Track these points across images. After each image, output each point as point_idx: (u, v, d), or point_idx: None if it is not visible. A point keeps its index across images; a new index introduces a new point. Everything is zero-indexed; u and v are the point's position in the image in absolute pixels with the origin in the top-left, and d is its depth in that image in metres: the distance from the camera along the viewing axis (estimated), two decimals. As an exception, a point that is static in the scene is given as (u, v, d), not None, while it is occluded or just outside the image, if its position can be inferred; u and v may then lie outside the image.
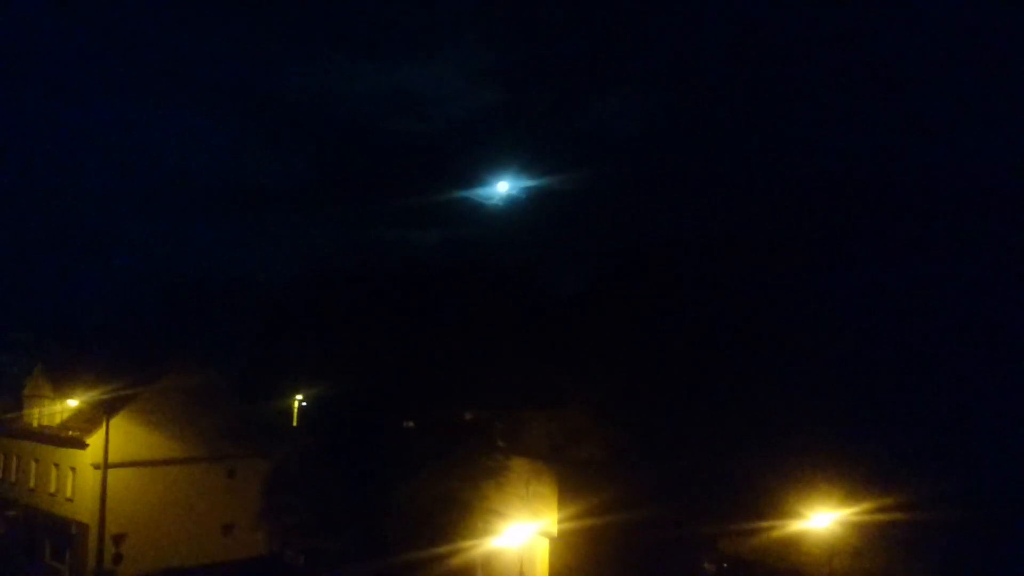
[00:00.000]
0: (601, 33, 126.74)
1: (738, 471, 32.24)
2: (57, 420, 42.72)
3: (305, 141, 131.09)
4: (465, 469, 33.52)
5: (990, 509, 28.15)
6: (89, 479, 38.60)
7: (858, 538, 30.66)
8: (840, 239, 37.35)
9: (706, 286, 36.05)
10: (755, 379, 33.17)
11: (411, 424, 36.04)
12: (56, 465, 41.54)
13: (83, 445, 39.43)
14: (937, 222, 36.89)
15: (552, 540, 32.96)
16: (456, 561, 32.32)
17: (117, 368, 40.92)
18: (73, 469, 40.35)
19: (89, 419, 40.31)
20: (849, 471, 30.54)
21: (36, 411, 44.22)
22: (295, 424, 45.46)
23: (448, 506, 32.91)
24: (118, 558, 35.85)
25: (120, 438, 38.15)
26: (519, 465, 34.58)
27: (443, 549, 31.91)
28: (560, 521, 32.76)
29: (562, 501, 32.85)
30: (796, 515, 31.39)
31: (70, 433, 40.97)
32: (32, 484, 43.17)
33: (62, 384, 42.64)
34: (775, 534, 31.98)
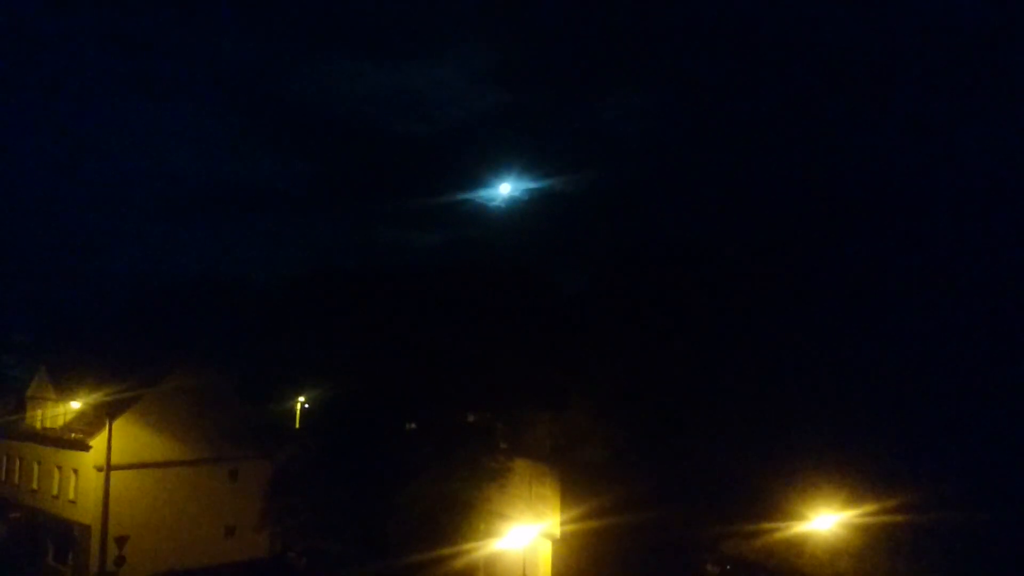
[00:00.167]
0: (603, 35, 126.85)
1: (741, 473, 32.21)
2: (60, 422, 42.76)
3: (308, 142, 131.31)
4: (468, 471, 33.51)
5: (992, 511, 28.10)
6: (92, 481, 38.62)
7: (861, 540, 30.61)
8: (841, 241, 37.32)
9: (709, 287, 36.02)
10: (758, 381, 33.15)
11: (413, 426, 36.05)
12: (59, 467, 41.55)
13: (86, 447, 39.45)
14: (937, 224, 36.89)
15: (555, 542, 32.94)
16: (459, 563, 32.31)
17: (120, 370, 40.95)
18: (76, 471, 40.37)
19: (92, 421, 40.34)
20: (852, 473, 30.50)
21: (39, 413, 44.27)
22: (297, 426, 45.53)
23: (451, 508, 32.89)
24: (121, 560, 35.84)
25: (123, 440, 38.18)
26: (522, 467, 34.58)
27: (446, 551, 31.90)
28: (563, 523, 32.75)
29: (565, 503, 32.83)
30: (799, 517, 31.35)
31: (73, 435, 40.99)
32: (35, 486, 43.20)
33: (65, 386, 42.68)
34: (778, 536, 31.94)
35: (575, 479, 33.22)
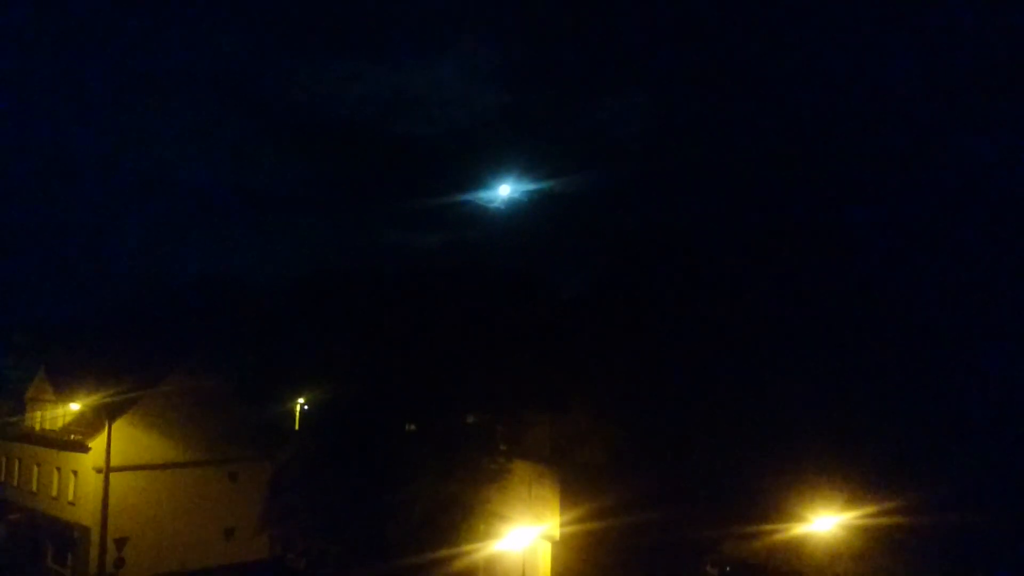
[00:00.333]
0: (603, 35, 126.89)
1: (741, 474, 32.18)
2: (59, 424, 42.77)
3: (307, 143, 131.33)
4: (467, 472, 33.50)
5: (993, 512, 28.09)
6: (91, 483, 38.63)
7: (861, 542, 30.58)
8: (842, 242, 37.30)
9: (708, 289, 36.00)
10: (757, 382, 33.13)
11: (413, 427, 36.04)
12: (58, 469, 41.57)
13: (85, 449, 39.46)
14: (937, 223, 36.86)
15: (554, 543, 32.90)
16: (458, 564, 32.28)
17: (119, 372, 40.97)
18: (75, 473, 40.39)
19: (91, 423, 40.36)
20: (852, 474, 30.48)
21: (38, 415, 44.30)
22: (297, 427, 45.46)
23: (450, 509, 32.88)
24: (120, 562, 35.85)
25: (122, 442, 38.21)
26: (521, 468, 34.54)
27: (445, 552, 31.90)
28: (562, 524, 32.70)
29: (564, 504, 32.79)
30: (799, 518, 31.33)
31: (72, 437, 41.01)
32: (34, 488, 43.21)
33: (64, 388, 42.69)
34: (778, 538, 31.90)
35: (575, 481, 33.19)
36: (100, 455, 37.32)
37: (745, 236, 39.40)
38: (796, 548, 31.89)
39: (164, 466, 40.76)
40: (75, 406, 40.61)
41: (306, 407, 45.41)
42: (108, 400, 39.22)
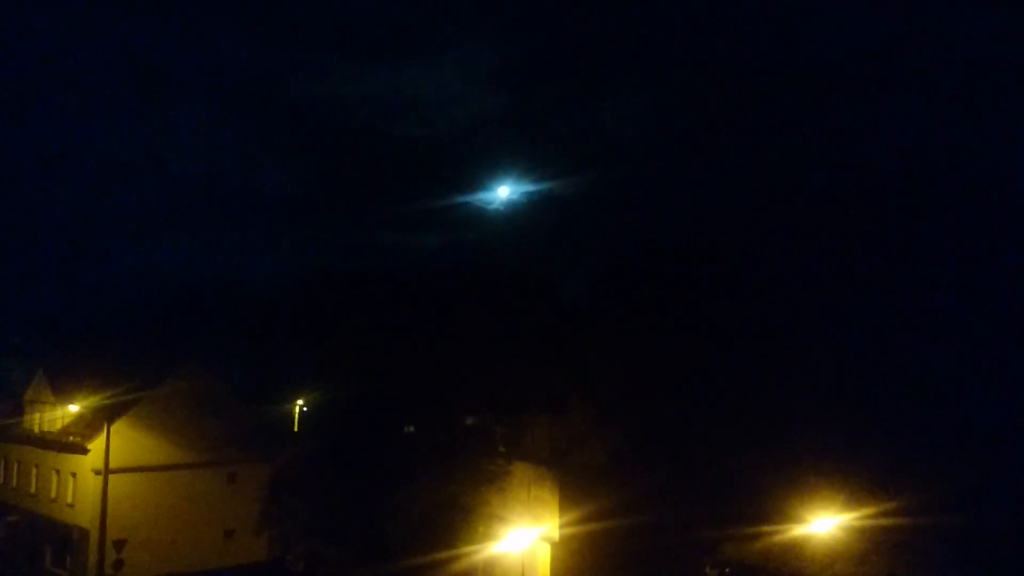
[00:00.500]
0: (602, 36, 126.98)
1: (740, 475, 32.16)
2: (58, 425, 42.73)
3: (306, 144, 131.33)
4: (466, 474, 33.45)
5: (992, 513, 28.08)
6: (90, 484, 38.58)
7: (860, 543, 30.55)
8: (842, 243, 37.31)
9: (708, 290, 36.00)
10: (757, 383, 33.11)
11: (412, 429, 36.02)
12: (57, 470, 41.52)
13: (84, 450, 39.43)
14: (936, 225, 36.87)
15: (554, 545, 32.86)
16: (457, 566, 32.25)
17: (118, 373, 40.93)
18: (74, 474, 40.35)
19: (90, 424, 40.32)
20: (851, 476, 30.45)
21: (37, 416, 44.26)
22: (296, 429, 45.47)
23: (449, 511, 32.84)
24: (119, 563, 35.81)
25: (121, 443, 38.14)
26: (520, 470, 34.50)
27: (444, 554, 31.85)
28: (562, 526, 32.66)
29: (564, 506, 32.75)
30: (798, 520, 31.30)
31: (71, 438, 40.97)
32: (33, 489, 43.16)
33: (63, 389, 42.65)
34: (777, 539, 31.86)
35: (574, 482, 33.15)
36: (99, 457, 37.27)
37: (745, 237, 39.42)
38: (796, 549, 31.85)
39: (163, 468, 40.70)
40: (74, 408, 40.58)
41: (305, 408, 45.43)
42: (107, 402, 39.18)
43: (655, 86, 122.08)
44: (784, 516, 31.53)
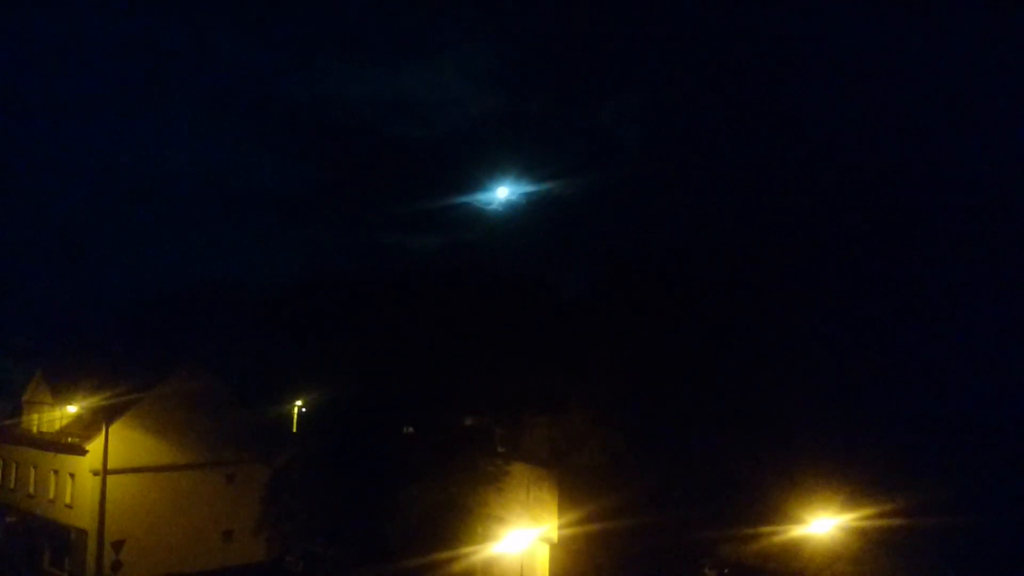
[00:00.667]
0: (602, 37, 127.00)
1: (739, 476, 32.15)
2: (56, 426, 42.67)
3: (306, 146, 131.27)
4: (466, 474, 33.44)
5: (991, 514, 28.06)
6: (88, 485, 38.54)
7: (859, 544, 30.54)
8: (841, 244, 37.30)
9: (707, 291, 35.99)
10: (756, 385, 33.10)
11: (411, 429, 35.99)
12: (55, 471, 41.46)
13: (82, 451, 39.37)
14: (935, 225, 36.87)
15: (553, 546, 32.85)
16: (456, 567, 32.23)
17: (117, 374, 40.89)
18: (72, 475, 40.29)
19: (88, 425, 40.26)
20: (850, 476, 30.44)
21: (35, 417, 44.20)
22: (295, 429, 45.42)
23: (448, 512, 32.83)
24: (117, 564, 35.76)
25: (119, 444, 38.09)
26: (519, 470, 34.48)
27: (443, 555, 31.83)
28: (561, 527, 32.65)
29: (563, 507, 32.74)
30: (797, 520, 31.28)
31: (69, 439, 40.92)
32: (31, 490, 43.09)
33: (62, 390, 42.60)
34: (776, 539, 31.85)
35: (573, 483, 33.13)
36: (97, 457, 37.23)
37: (744, 237, 39.41)
38: (794, 550, 31.84)
39: (162, 468, 40.65)
40: (72, 408, 40.53)
41: (304, 409, 45.39)
42: (105, 402, 39.14)
43: (654, 86, 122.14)
44: (783, 517, 31.51)
